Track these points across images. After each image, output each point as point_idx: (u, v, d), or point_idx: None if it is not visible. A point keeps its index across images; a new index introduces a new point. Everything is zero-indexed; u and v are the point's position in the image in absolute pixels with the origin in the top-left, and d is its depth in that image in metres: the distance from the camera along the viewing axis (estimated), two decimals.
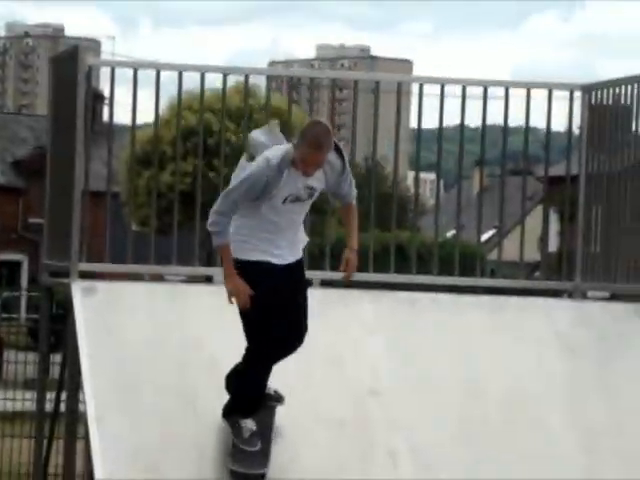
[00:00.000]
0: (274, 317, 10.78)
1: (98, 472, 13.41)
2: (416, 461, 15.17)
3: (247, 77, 18.09)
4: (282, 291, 10.91)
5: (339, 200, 11.35)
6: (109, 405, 14.47)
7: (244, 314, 10.95)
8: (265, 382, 11.37)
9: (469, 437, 15.07)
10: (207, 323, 15.52)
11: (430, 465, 15.19)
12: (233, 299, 10.90)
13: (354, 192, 11.44)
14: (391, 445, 15.10)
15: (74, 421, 15.46)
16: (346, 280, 11.55)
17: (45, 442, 16.38)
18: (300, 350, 13.58)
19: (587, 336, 16.13)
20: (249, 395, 11.33)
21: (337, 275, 15.22)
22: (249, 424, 11.18)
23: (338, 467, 14.58)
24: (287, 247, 11.11)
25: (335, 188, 11.26)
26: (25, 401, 17.56)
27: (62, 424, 15.59)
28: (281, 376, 13.87)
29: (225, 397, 12.87)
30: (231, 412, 11.31)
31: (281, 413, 14.34)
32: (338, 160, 11.08)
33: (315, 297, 14.66)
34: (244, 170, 10.90)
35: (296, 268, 11.20)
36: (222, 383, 13.66)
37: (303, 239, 11.57)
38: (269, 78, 20.26)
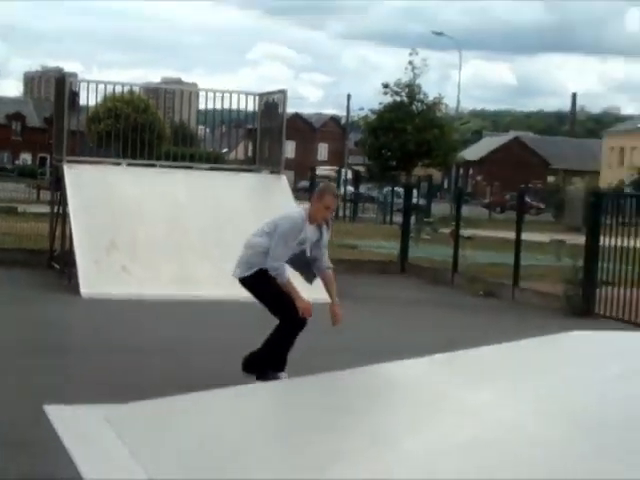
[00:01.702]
0: (289, 302, 8.13)
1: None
2: None
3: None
4: None
5: (317, 263, 8.41)
6: (79, 207, 14.72)
7: (277, 303, 8.19)
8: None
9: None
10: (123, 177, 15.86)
11: None
12: (305, 312, 8.04)
13: (328, 262, 8.54)
14: None
15: (65, 217, 15.46)
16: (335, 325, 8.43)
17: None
18: None
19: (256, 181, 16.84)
20: (282, 354, 8.24)
21: None
22: (283, 374, 8.23)
23: None
24: None
25: (317, 247, 8.33)
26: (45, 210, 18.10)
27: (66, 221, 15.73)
28: None
29: None
30: (267, 370, 8.26)
31: None
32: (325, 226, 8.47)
33: None
34: (277, 225, 8.17)
35: None
36: None
37: None
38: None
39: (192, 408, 6.38)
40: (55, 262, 16.46)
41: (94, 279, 14.08)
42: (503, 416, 4.53)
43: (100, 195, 15.50)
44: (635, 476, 3.71)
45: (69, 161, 15.97)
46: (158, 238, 15.05)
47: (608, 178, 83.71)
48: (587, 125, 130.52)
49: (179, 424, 6.11)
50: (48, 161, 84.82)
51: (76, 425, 6.23)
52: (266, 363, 8.42)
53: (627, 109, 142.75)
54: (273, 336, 8.39)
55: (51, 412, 6.51)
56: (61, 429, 6.06)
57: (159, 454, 5.41)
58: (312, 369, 7.75)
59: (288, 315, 8.29)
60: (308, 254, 8.44)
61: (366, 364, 7.16)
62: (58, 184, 16.67)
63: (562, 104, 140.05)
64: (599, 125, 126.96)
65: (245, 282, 8.50)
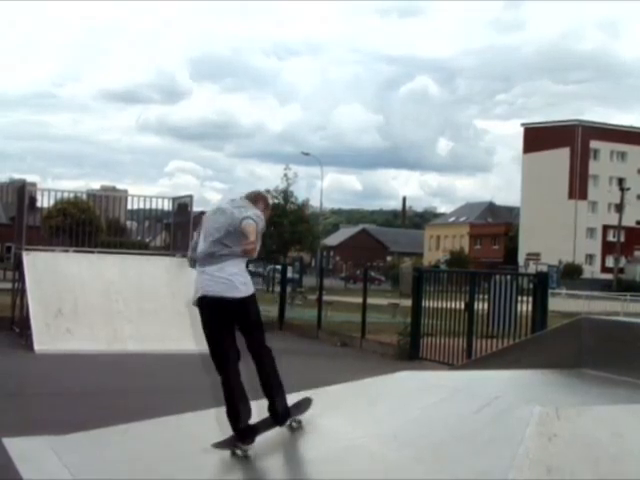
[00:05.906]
0: None
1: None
2: None
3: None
4: None
5: None
6: (34, 283, 14.17)
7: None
8: None
9: None
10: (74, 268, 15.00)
11: None
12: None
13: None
14: None
15: (23, 291, 14.96)
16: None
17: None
18: None
19: (171, 262, 15.60)
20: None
21: None
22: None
23: None
24: None
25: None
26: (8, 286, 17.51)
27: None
28: None
29: None
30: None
31: None
32: None
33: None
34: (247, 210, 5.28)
35: None
36: None
37: None
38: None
39: (119, 438, 6.00)
40: (15, 326, 15.92)
41: (45, 338, 13.60)
42: (350, 437, 4.47)
43: (50, 274, 14.99)
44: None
45: (27, 249, 15.54)
46: (94, 306, 14.50)
47: (429, 258, 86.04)
48: (413, 220, 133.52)
49: (108, 450, 5.78)
50: (12, 249, 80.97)
51: (27, 453, 5.79)
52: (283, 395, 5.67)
53: (440, 209, 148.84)
54: (269, 365, 5.67)
55: (7, 444, 6.06)
56: (15, 457, 5.66)
57: (92, 472, 5.17)
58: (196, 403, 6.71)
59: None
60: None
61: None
62: (19, 266, 16.11)
63: (396, 204, 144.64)
64: (422, 220, 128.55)
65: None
